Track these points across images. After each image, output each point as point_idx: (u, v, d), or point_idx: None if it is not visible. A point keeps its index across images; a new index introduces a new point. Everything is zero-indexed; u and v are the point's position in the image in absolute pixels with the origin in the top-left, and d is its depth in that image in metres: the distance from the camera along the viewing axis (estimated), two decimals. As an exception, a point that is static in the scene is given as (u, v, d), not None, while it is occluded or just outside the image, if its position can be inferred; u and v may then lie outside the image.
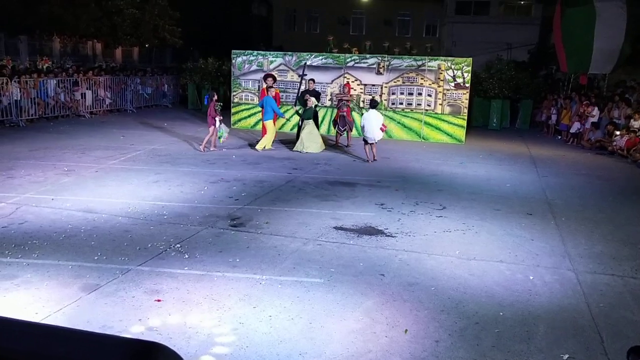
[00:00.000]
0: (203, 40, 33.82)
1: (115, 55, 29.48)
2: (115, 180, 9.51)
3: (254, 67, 16.92)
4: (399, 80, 15.88)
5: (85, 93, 18.68)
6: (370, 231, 7.18)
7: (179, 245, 6.38)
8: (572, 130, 16.24)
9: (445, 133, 15.75)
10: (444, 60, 15.95)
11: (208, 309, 4.84)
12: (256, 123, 15.72)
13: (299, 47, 21.13)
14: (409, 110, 15.92)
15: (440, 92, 15.63)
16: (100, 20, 27.71)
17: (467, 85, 15.55)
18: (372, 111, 12.11)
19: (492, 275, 5.84)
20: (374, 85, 16.04)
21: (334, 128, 14.29)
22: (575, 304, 5.21)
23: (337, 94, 15.56)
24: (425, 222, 7.71)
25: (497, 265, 6.12)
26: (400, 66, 15.86)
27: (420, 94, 15.80)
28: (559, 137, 17.35)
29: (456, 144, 15.37)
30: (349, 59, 16.26)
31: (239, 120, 17.28)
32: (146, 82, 22.59)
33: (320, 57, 16.49)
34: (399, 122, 16.02)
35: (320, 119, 16.17)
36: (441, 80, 15.58)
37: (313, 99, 12.98)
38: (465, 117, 15.71)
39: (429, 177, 10.80)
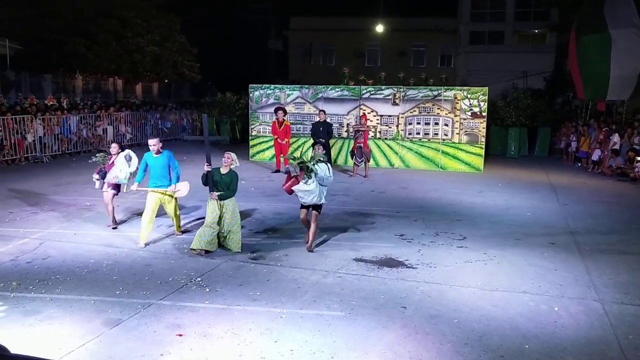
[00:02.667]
0: (220, 74, 34.52)
1: (135, 90, 30.16)
2: (135, 214, 9.62)
3: (272, 101, 17.16)
4: (415, 111, 15.96)
5: (106, 128, 19.09)
6: (390, 262, 7.13)
7: (199, 279, 6.40)
8: (594, 158, 16.08)
9: (463, 162, 15.70)
10: (460, 90, 16.02)
11: (229, 344, 4.83)
12: (273, 156, 15.85)
13: (315, 79, 21.43)
14: (426, 140, 15.95)
15: (457, 121, 15.66)
16: (121, 58, 28.52)
17: (484, 114, 15.56)
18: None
19: (516, 306, 5.74)
20: (390, 116, 16.14)
21: (352, 159, 14.40)
22: (603, 336, 5.09)
23: (353, 125, 15.67)
24: (446, 252, 7.64)
25: (520, 296, 6.02)
26: (416, 96, 15.96)
27: (437, 123, 15.85)
28: (579, 164, 17.19)
29: (474, 173, 15.30)
30: (365, 91, 16.42)
31: (257, 152, 17.48)
32: (166, 116, 23.02)
33: (337, 89, 16.69)
34: (416, 152, 16.04)
35: (337, 150, 16.31)
36: (457, 110, 15.63)
37: (233, 154, 7.82)
38: (483, 146, 15.67)
39: (448, 206, 10.74)
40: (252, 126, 17.59)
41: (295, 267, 6.87)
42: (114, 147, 8.74)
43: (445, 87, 16.45)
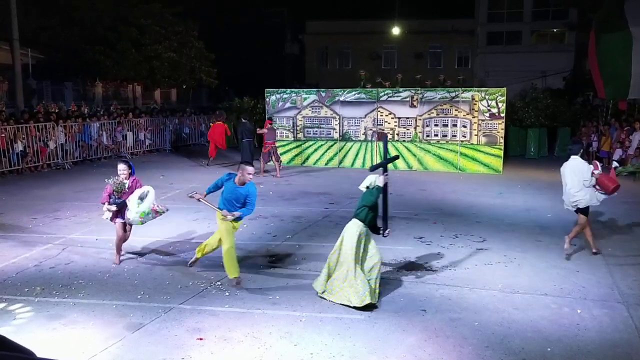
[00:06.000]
0: (238, 79, 34.71)
1: (154, 97, 30.49)
2: (155, 219, 9.69)
3: (288, 105, 17.22)
4: (433, 113, 15.89)
5: (126, 134, 19.33)
6: (409, 266, 7.10)
7: (219, 283, 6.44)
8: (615, 158, 15.82)
9: (482, 163, 15.58)
10: (478, 91, 15.91)
11: (249, 347, 4.85)
12: (291, 160, 15.92)
13: (331, 83, 21.42)
14: (444, 141, 15.87)
15: (475, 122, 15.55)
16: (139, 65, 28.85)
17: (502, 115, 15.43)
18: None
19: (537, 309, 5.68)
20: (407, 118, 16.09)
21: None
22: (628, 339, 5.01)
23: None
24: (466, 255, 7.59)
25: (542, 299, 5.95)
26: (433, 98, 15.89)
27: (455, 125, 15.76)
28: (600, 164, 16.91)
29: (493, 174, 15.17)
30: (382, 93, 16.40)
31: (275, 156, 17.55)
32: (184, 122, 23.23)
33: (354, 92, 16.69)
34: (434, 154, 15.95)
35: (355, 153, 16.26)
36: (476, 111, 15.52)
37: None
38: (502, 147, 15.53)
39: (467, 208, 10.66)
40: (270, 130, 17.64)
41: (314, 271, 6.87)
42: (122, 170, 7.23)
43: (463, 88, 16.35)
